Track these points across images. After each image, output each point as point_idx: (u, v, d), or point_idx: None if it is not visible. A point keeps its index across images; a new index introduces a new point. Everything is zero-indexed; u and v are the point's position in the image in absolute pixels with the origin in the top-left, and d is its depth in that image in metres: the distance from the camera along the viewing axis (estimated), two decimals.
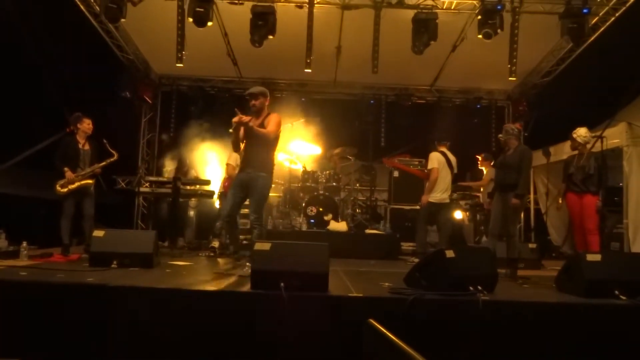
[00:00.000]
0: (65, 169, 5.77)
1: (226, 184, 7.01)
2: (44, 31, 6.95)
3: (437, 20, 6.79)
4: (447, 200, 6.78)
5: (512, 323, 3.41)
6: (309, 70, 7.11)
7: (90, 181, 5.88)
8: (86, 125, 5.99)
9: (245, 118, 4.59)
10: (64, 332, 3.35)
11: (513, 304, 3.51)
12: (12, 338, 3.31)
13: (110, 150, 5.99)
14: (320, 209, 7.77)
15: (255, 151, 4.71)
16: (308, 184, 8.15)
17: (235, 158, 6.89)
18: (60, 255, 5.60)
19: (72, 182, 5.77)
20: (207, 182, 7.69)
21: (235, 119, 4.57)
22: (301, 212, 7.84)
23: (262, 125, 4.78)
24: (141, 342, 3.29)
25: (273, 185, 9.00)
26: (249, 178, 4.68)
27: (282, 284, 3.39)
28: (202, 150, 8.95)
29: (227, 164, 7.07)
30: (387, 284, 4.14)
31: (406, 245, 7.98)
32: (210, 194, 7.59)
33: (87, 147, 6.01)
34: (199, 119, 9.06)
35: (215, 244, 6.59)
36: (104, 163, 5.96)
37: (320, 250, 3.67)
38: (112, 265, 4.46)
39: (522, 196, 5.09)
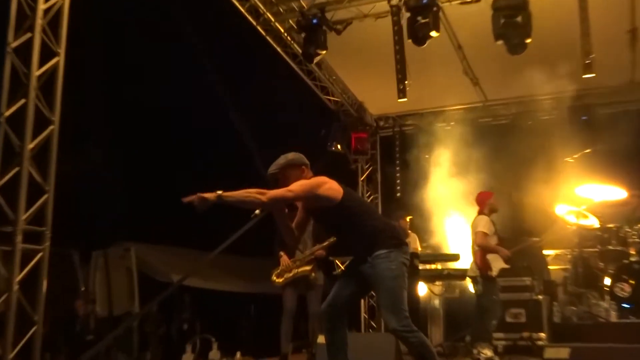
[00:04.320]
0: (281, 253, 6.28)
1: (479, 262, 6.83)
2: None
3: None
4: None
5: None
6: (591, 75, 6.73)
7: (307, 267, 6.25)
8: None
9: (209, 195, 3.88)
10: None
11: None
12: None
13: None
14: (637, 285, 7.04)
15: (345, 235, 4.35)
16: (611, 246, 7.53)
17: (487, 223, 6.81)
18: None
19: (289, 269, 6.24)
20: (455, 257, 7.85)
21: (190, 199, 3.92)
22: (605, 292, 7.28)
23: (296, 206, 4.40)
24: None
25: (553, 253, 8.72)
26: (366, 270, 4.17)
27: None
28: (442, 210, 9.13)
29: (477, 232, 6.81)
30: None
31: None
32: (461, 275, 7.63)
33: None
34: (434, 169, 9.29)
35: (487, 352, 6.45)
36: (326, 243, 6.20)
37: None
38: None
39: None
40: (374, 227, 4.17)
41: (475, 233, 6.81)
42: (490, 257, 6.80)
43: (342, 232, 4.29)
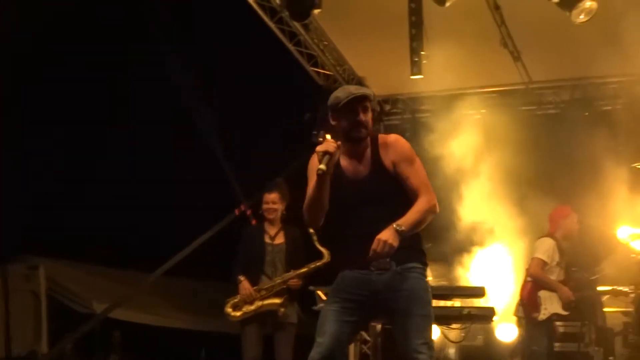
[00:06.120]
0: (241, 278, 6.22)
1: (525, 297, 6.99)
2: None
3: None
4: None
5: None
6: None
7: (275, 300, 6.19)
8: (271, 200, 6.45)
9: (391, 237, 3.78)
10: None
11: None
12: None
13: (319, 246, 6.13)
14: None
15: (384, 221, 3.92)
16: None
17: (550, 249, 6.89)
18: None
19: (251, 300, 6.16)
20: (479, 292, 7.34)
21: (323, 148, 3.79)
22: None
23: (378, 162, 4.11)
24: None
25: (609, 290, 8.46)
26: (386, 281, 3.95)
27: None
28: (464, 229, 9.01)
29: (533, 258, 6.93)
30: None
31: None
32: (486, 315, 7.20)
33: (280, 239, 6.47)
34: (456, 171, 9.00)
35: None
36: (304, 269, 6.19)
37: None
38: None
39: None
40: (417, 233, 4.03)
41: (531, 259, 6.95)
42: (544, 295, 6.85)
43: (377, 221, 3.82)
